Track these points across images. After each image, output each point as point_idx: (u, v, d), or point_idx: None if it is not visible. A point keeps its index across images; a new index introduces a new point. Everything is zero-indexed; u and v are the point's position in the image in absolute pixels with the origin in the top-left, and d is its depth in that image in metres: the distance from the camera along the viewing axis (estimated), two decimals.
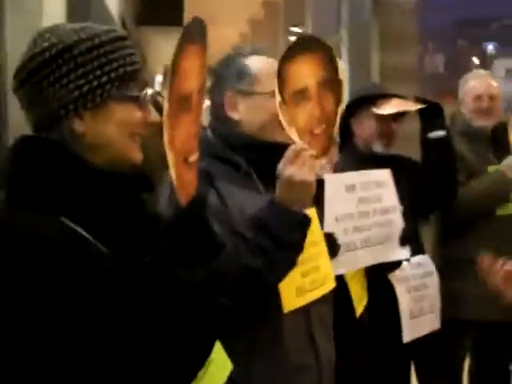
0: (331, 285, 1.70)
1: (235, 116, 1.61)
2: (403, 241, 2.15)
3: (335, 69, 1.55)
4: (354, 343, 2.07)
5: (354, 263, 2.01)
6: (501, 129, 2.86)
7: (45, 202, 1.06)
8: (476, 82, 2.89)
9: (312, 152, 1.46)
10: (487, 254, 1.94)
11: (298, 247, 1.47)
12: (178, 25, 7.42)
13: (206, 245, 1.40)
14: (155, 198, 1.47)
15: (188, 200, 1.32)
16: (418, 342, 2.35)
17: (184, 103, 1.27)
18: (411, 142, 2.81)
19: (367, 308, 2.13)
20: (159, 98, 2.56)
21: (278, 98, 1.47)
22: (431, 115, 2.55)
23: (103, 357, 1.03)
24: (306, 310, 1.60)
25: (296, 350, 1.57)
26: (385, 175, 2.15)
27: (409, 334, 2.30)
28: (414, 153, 2.71)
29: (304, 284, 1.59)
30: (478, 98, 2.85)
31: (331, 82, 1.54)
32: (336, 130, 1.56)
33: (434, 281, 2.44)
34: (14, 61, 1.19)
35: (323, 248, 1.70)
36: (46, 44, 1.12)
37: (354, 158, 2.47)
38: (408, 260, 2.28)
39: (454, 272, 2.76)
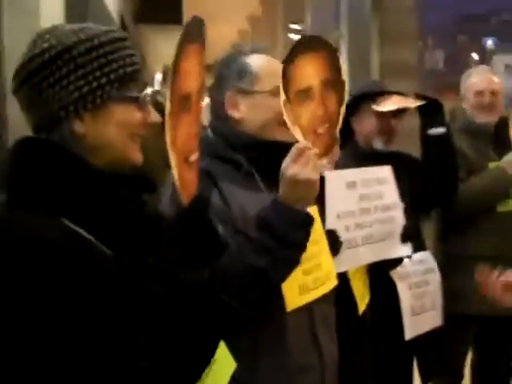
0: (333, 283, 1.70)
1: (236, 115, 1.61)
2: (404, 238, 2.15)
3: (338, 69, 1.55)
4: (357, 341, 2.07)
5: (355, 261, 2.01)
6: (502, 125, 2.86)
7: (46, 204, 1.06)
8: (478, 78, 2.89)
9: (315, 151, 1.46)
10: (483, 267, 1.95)
11: (301, 246, 1.47)
12: (177, 23, 7.42)
13: (209, 244, 1.40)
14: (157, 198, 1.47)
15: (189, 200, 1.32)
16: (419, 338, 2.35)
17: (184, 103, 1.27)
18: (411, 138, 2.81)
19: (369, 305, 2.13)
20: (159, 97, 2.57)
21: (282, 96, 1.47)
22: (431, 112, 2.55)
23: (109, 359, 1.02)
24: (309, 308, 1.60)
25: (299, 350, 1.57)
26: (386, 172, 2.15)
27: (410, 331, 2.30)
28: (414, 149, 2.71)
29: (306, 282, 1.59)
30: (480, 93, 2.85)
31: (334, 82, 1.54)
32: (338, 129, 1.56)
33: (435, 277, 2.44)
34: (12, 61, 1.19)
35: (325, 246, 1.70)
36: (45, 45, 1.11)
37: (355, 155, 2.47)
38: (409, 257, 2.28)
39: (455, 268, 2.76)
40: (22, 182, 1.09)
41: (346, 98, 1.58)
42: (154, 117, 1.18)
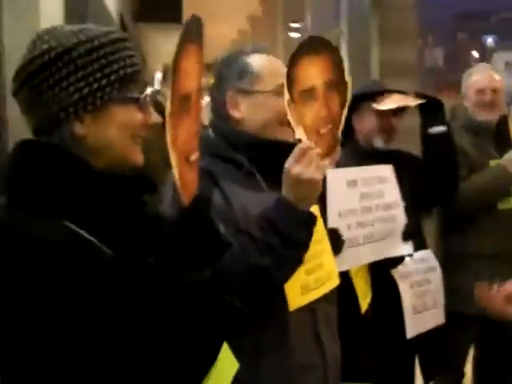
0: (335, 282, 1.69)
1: (237, 115, 1.61)
2: (406, 236, 2.15)
3: (342, 71, 1.55)
4: (359, 340, 2.07)
5: (357, 259, 2.00)
6: (504, 123, 2.86)
7: (47, 206, 1.06)
8: (479, 76, 2.89)
9: (318, 151, 1.46)
10: (481, 283, 1.96)
11: (305, 245, 1.47)
12: (177, 21, 7.41)
13: (211, 244, 1.40)
14: (158, 198, 1.47)
15: (190, 199, 1.32)
16: (421, 337, 2.35)
17: (184, 103, 1.27)
18: (411, 137, 2.81)
19: (371, 304, 2.13)
20: (159, 97, 2.56)
21: (286, 96, 1.47)
22: (431, 110, 2.55)
23: (112, 359, 1.02)
24: (311, 308, 1.60)
25: (302, 349, 1.57)
26: (387, 171, 2.14)
27: (412, 330, 2.30)
28: (414, 148, 2.71)
29: (309, 282, 1.59)
30: (481, 91, 2.84)
31: (338, 84, 1.54)
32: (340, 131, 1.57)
33: (437, 276, 2.44)
34: (12, 62, 1.19)
35: (326, 245, 1.70)
36: (45, 46, 1.11)
37: (355, 153, 2.46)
38: (411, 255, 2.28)
39: (456, 266, 2.76)
40: (22, 184, 1.08)
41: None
42: (155, 117, 1.18)
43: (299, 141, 1.48)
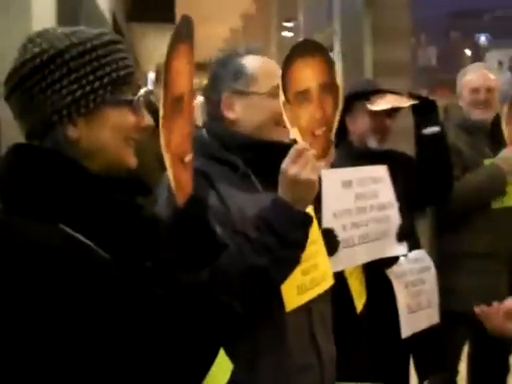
0: (329, 283, 1.69)
1: (231, 116, 1.61)
2: (400, 236, 2.15)
3: (334, 74, 1.56)
4: (354, 340, 2.07)
5: (352, 260, 2.00)
6: (498, 121, 2.86)
7: (42, 210, 1.05)
8: (473, 75, 2.89)
9: (314, 152, 1.46)
10: (478, 305, 1.96)
11: (301, 246, 1.47)
12: (170, 21, 7.40)
13: (207, 244, 1.39)
14: (152, 200, 1.46)
15: (185, 200, 1.31)
16: (416, 336, 2.36)
17: (177, 104, 1.26)
18: (405, 137, 2.81)
19: (365, 304, 2.13)
20: (152, 97, 2.56)
21: (282, 97, 1.48)
22: (425, 111, 2.55)
23: (111, 362, 1.02)
24: (307, 308, 1.60)
25: (298, 350, 1.57)
26: (381, 171, 2.14)
27: (407, 329, 2.30)
28: (408, 148, 2.71)
29: (304, 282, 1.59)
30: (475, 90, 2.85)
31: (331, 87, 1.55)
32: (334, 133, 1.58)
33: (431, 276, 2.44)
34: (3, 63, 1.18)
35: (321, 246, 1.70)
36: (36, 49, 1.10)
37: (349, 154, 2.47)
38: (405, 255, 2.28)
39: (450, 266, 2.77)
40: (16, 188, 1.07)
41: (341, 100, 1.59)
42: (148, 120, 1.17)
43: (294, 141, 1.48)
